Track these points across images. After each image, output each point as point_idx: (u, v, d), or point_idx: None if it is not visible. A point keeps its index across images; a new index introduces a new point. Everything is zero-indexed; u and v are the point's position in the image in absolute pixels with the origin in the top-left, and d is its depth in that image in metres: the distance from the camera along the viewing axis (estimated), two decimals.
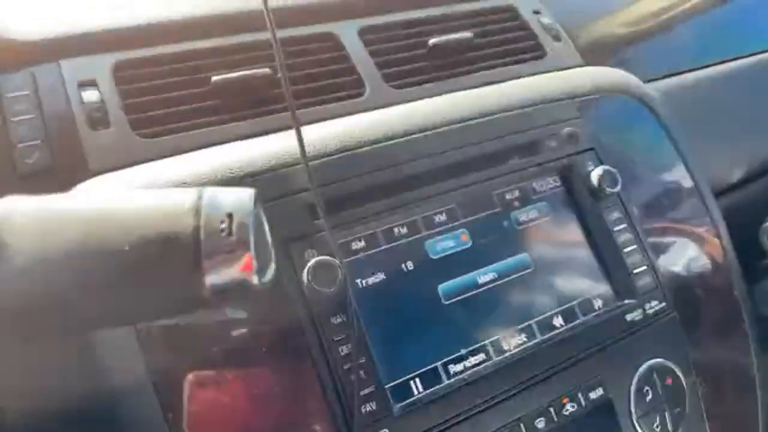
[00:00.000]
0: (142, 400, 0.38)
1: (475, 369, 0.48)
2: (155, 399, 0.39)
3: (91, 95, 0.49)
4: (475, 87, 0.63)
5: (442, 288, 0.49)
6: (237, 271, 0.26)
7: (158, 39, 0.55)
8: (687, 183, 0.63)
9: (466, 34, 0.66)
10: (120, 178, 0.45)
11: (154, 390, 0.39)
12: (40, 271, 0.25)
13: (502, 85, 0.63)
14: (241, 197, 0.28)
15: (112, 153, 0.48)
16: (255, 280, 0.27)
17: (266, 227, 0.30)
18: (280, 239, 0.44)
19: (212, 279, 0.26)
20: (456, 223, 0.52)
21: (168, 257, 0.26)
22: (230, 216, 0.27)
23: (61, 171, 0.47)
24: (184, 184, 0.44)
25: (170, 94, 0.52)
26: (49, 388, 0.39)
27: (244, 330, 0.42)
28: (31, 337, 0.28)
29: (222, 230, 0.26)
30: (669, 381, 0.53)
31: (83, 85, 0.50)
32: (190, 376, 0.40)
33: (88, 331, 0.37)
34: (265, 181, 0.46)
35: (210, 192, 0.27)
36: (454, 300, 0.49)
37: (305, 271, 0.43)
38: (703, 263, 0.60)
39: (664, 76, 0.75)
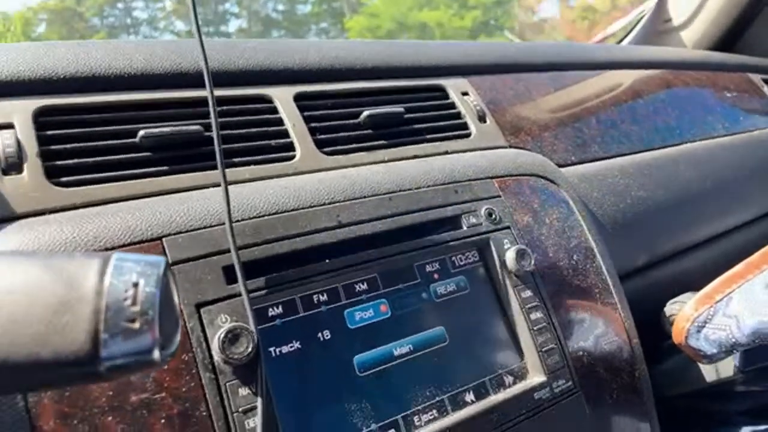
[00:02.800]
0: None
1: None
2: None
3: (6, 138, 0.47)
4: (404, 159, 0.66)
5: (357, 359, 0.49)
6: (137, 345, 0.25)
7: (87, 87, 0.54)
8: (595, 265, 0.67)
9: (398, 108, 0.69)
10: (26, 227, 0.43)
11: None
12: None
13: (429, 159, 0.66)
14: (150, 265, 0.27)
15: (21, 200, 0.45)
16: (156, 355, 0.26)
17: (175, 296, 0.29)
18: (193, 303, 0.43)
19: (110, 352, 0.25)
20: (376, 293, 0.53)
21: (64, 325, 0.25)
22: (136, 285, 0.26)
23: None
24: (95, 239, 0.43)
25: (93, 144, 0.51)
26: None
27: (144, 396, 0.40)
28: None
29: (125, 299, 0.25)
30: None
31: (0, 127, 0.48)
32: None
33: None
34: (183, 240, 0.45)
35: (117, 257, 0.27)
36: (369, 372, 0.49)
37: (216, 337, 0.42)
38: (608, 343, 0.63)
39: (577, 163, 0.80)
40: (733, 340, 0.60)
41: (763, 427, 0.67)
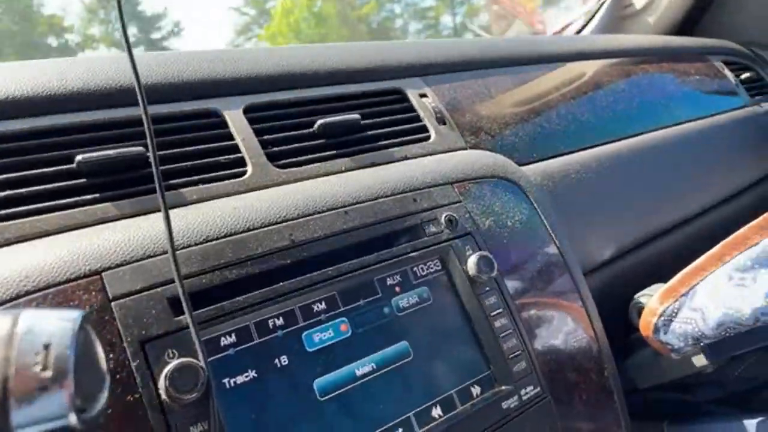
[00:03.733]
0: None
1: None
2: None
3: None
4: (361, 167, 0.64)
5: (318, 383, 0.47)
6: (50, 412, 0.23)
7: (14, 112, 0.51)
8: (558, 264, 0.66)
9: (354, 116, 0.67)
10: None
11: None
12: None
13: (386, 167, 0.64)
14: (63, 323, 0.25)
15: None
16: (73, 419, 0.24)
17: (99, 351, 0.27)
18: (137, 340, 0.41)
19: (19, 422, 0.23)
20: (335, 311, 0.51)
21: None
22: (47, 347, 0.24)
23: None
24: (26, 278, 0.40)
25: (24, 173, 0.48)
26: None
27: None
28: None
29: (36, 364, 0.23)
30: None
31: None
32: None
33: None
34: (124, 273, 0.43)
35: (27, 317, 0.24)
36: (330, 395, 0.47)
37: (163, 375, 0.40)
38: (575, 344, 0.63)
39: (538, 160, 0.80)
40: (700, 333, 0.60)
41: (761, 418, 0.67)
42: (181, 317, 0.42)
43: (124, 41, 0.47)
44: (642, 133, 0.98)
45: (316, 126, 0.64)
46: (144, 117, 0.46)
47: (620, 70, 1.09)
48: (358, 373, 0.49)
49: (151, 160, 0.45)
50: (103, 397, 0.26)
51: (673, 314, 0.62)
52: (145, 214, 0.50)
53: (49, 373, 0.23)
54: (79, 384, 0.24)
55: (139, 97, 0.46)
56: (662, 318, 0.63)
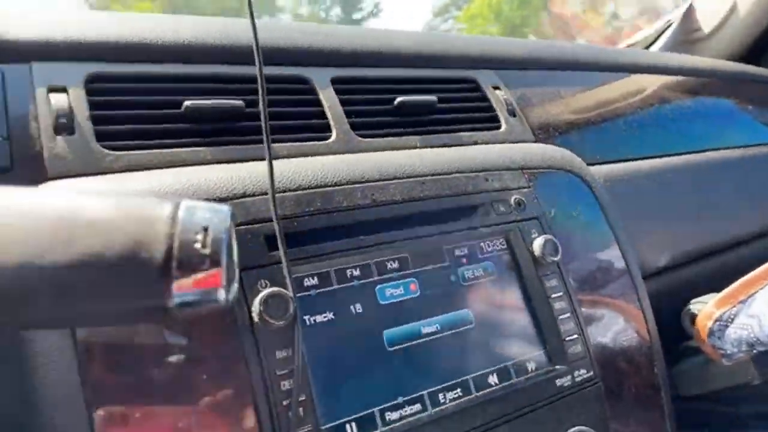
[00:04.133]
0: (72, 419, 0.37)
1: (410, 419, 0.48)
2: (86, 421, 0.37)
3: (59, 101, 0.49)
4: (435, 146, 0.67)
5: (387, 334, 0.50)
6: (206, 286, 0.26)
7: (136, 56, 0.55)
8: (619, 261, 0.68)
9: (431, 97, 0.70)
10: (77, 185, 0.44)
11: (86, 411, 0.37)
12: None
13: (461, 148, 0.67)
14: (219, 212, 0.28)
15: (73, 160, 0.47)
16: (222, 296, 0.27)
17: (235, 247, 0.30)
18: None
19: (179, 289, 0.26)
20: (407, 272, 0.54)
21: (137, 262, 0.26)
22: (206, 229, 0.27)
23: (18, 172, 0.45)
24: None
25: (140, 112, 0.53)
26: None
27: (186, 355, 0.42)
28: None
29: (196, 242, 0.27)
30: None
31: (53, 90, 0.50)
32: (125, 400, 0.39)
33: (37, 327, 0.35)
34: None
35: (188, 203, 0.28)
36: (397, 347, 0.50)
37: (257, 300, 0.43)
38: (628, 338, 0.64)
39: (605, 162, 0.81)
40: (754, 339, 0.60)
41: None
42: (274, 253, 0.46)
43: (248, 6, 0.51)
44: (705, 151, 0.98)
45: (395, 102, 0.67)
46: (258, 75, 0.50)
47: (687, 88, 1.09)
48: (424, 331, 0.52)
49: (261, 111, 0.49)
50: (236, 286, 0.29)
51: (730, 320, 0.63)
52: (242, 161, 0.54)
53: (207, 251, 0.27)
54: (227, 267, 0.28)
55: (256, 57, 0.50)
56: (718, 323, 0.63)
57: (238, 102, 0.57)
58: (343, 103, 0.65)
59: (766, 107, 1.24)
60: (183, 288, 0.26)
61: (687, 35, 1.61)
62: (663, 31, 1.60)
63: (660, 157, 0.89)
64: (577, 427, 0.55)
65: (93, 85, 0.52)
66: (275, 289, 0.44)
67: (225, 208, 0.29)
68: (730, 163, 1.01)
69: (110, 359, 0.39)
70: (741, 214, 0.95)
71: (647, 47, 1.59)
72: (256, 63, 0.51)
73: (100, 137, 0.49)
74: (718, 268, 0.90)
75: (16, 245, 0.25)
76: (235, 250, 0.30)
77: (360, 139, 0.63)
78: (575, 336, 0.58)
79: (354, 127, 0.64)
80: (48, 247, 0.26)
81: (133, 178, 0.46)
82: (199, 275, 0.26)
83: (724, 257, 0.91)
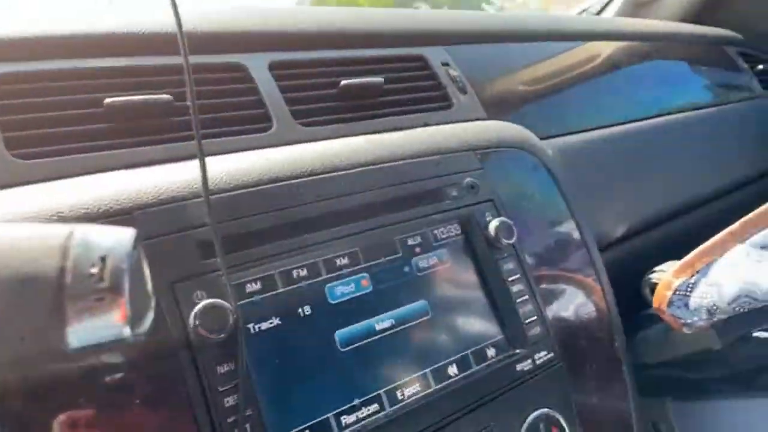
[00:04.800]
0: None
1: (367, 420, 0.46)
2: None
3: None
4: (383, 131, 0.64)
5: (339, 334, 0.48)
6: (105, 323, 0.24)
7: (46, 53, 0.50)
8: (575, 235, 0.67)
9: (377, 79, 0.67)
10: None
11: None
12: None
13: (410, 132, 0.64)
14: (119, 238, 0.25)
15: None
16: (127, 332, 0.24)
17: (146, 271, 0.27)
18: (167, 279, 0.41)
19: (75, 330, 0.23)
20: (357, 267, 0.51)
21: (25, 302, 0.23)
22: (103, 259, 0.24)
23: None
24: (59, 213, 0.40)
25: (55, 114, 0.48)
26: None
27: (118, 377, 0.38)
28: None
29: (92, 275, 0.24)
30: (555, 431, 0.54)
31: None
32: (53, 427, 0.36)
33: None
34: (154, 214, 0.43)
35: (82, 230, 0.25)
36: (350, 347, 0.48)
37: (192, 314, 0.40)
38: (588, 314, 0.63)
39: (559, 135, 0.80)
40: (715, 307, 0.60)
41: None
42: (210, 261, 0.43)
43: None
44: (657, 116, 0.98)
45: (340, 86, 0.64)
46: (185, 65, 0.46)
47: (638, 53, 1.08)
48: (378, 327, 0.50)
49: (190, 106, 0.45)
50: (150, 316, 0.27)
51: (689, 288, 0.62)
52: (172, 161, 0.50)
53: (105, 284, 0.24)
54: (131, 300, 0.25)
55: (181, 46, 0.46)
56: (677, 293, 0.63)
57: (165, 96, 0.52)
58: (282, 90, 0.61)
59: (719, 67, 1.25)
60: (79, 329, 0.23)
61: None
62: None
63: (614, 125, 0.88)
64: (540, 410, 0.55)
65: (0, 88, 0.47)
66: (212, 300, 0.41)
67: (127, 231, 0.26)
68: (683, 126, 1.01)
69: (30, 389, 0.36)
70: (693, 178, 0.96)
71: (599, 12, 1.57)
72: (181, 50, 0.47)
73: (10, 145, 0.45)
74: (675, 234, 0.90)
75: None
76: (146, 275, 0.27)
77: (303, 128, 0.60)
78: (534, 318, 0.57)
79: (295, 115, 0.60)
80: None
81: (44, 191, 0.42)
82: (97, 312, 0.23)
83: (680, 222, 0.92)
